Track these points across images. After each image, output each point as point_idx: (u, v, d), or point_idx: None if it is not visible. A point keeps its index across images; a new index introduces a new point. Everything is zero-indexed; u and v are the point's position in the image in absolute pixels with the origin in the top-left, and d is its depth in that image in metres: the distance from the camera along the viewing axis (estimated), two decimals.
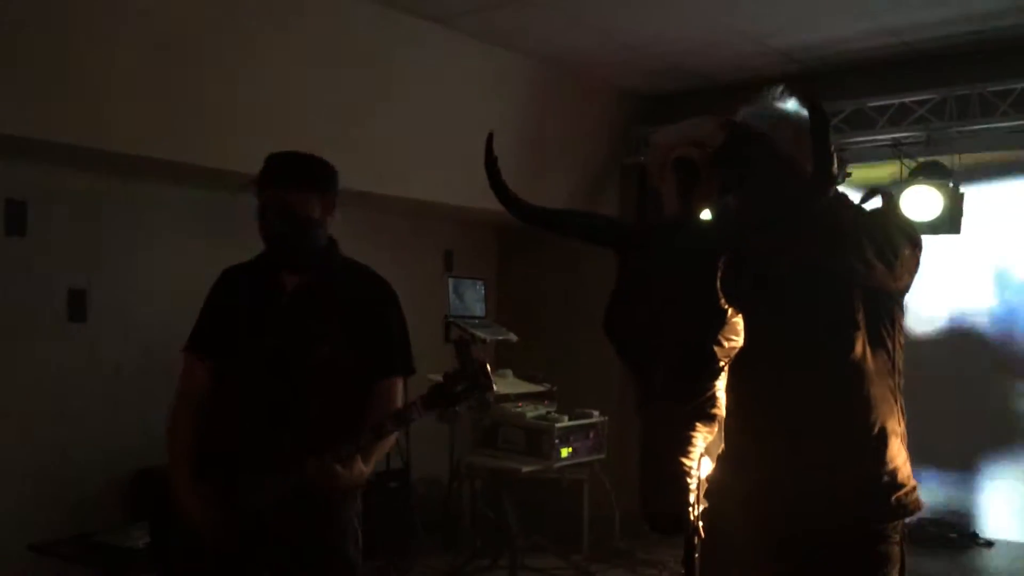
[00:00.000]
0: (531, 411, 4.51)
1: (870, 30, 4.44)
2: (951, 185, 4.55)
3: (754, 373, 1.46)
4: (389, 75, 4.51)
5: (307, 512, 2.20)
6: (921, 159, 4.64)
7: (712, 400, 1.35)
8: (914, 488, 1.77)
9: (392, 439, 2.30)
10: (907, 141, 4.76)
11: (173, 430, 2.35)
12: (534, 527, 4.76)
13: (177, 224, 4.52)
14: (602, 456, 4.74)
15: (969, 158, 4.62)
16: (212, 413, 2.35)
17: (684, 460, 1.31)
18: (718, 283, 1.32)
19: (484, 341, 4.59)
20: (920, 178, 4.58)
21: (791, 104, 1.74)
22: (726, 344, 1.33)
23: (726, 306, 1.32)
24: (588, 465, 4.77)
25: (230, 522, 2.17)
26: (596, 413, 4.70)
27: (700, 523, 1.35)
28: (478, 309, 4.81)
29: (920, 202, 4.53)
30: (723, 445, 1.41)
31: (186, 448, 2.30)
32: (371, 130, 4.57)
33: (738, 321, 1.34)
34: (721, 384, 1.36)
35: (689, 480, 1.31)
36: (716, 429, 1.36)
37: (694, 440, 1.33)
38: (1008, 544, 4.49)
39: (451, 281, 4.78)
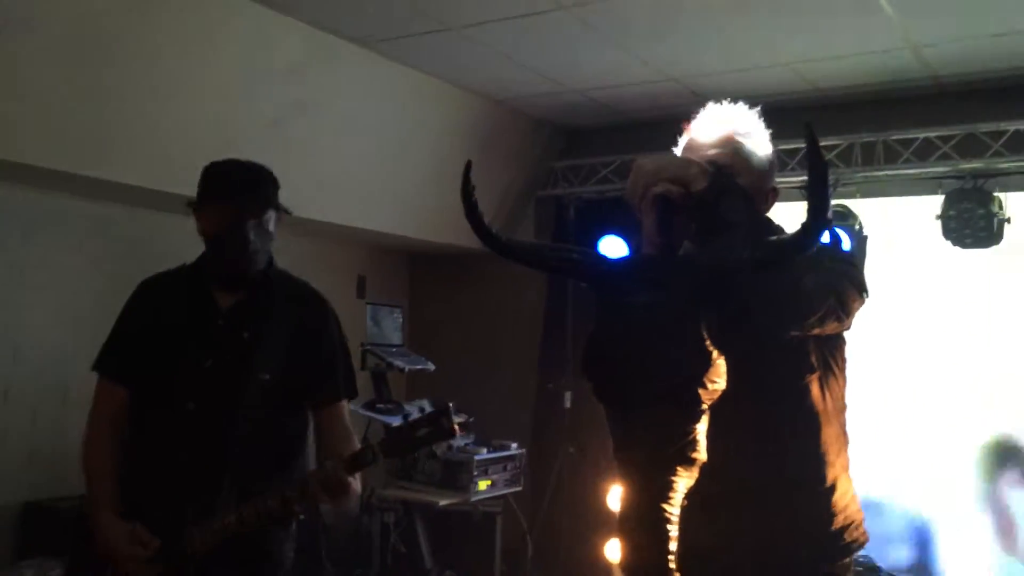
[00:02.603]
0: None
1: (785, 78, 4.59)
2: (857, 228, 4.74)
3: (720, 418, 1.45)
4: (307, 95, 4.39)
5: (245, 547, 2.06)
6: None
7: (693, 444, 1.32)
8: (862, 520, 1.80)
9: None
10: None
11: (90, 461, 2.15)
12: (444, 560, 4.66)
13: (70, 239, 4.27)
14: (519, 488, 4.69)
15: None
16: (134, 442, 2.16)
17: (665, 507, 1.28)
18: (703, 324, 1.30)
19: (402, 370, 4.49)
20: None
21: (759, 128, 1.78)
22: (710, 387, 1.30)
23: (711, 348, 1.30)
24: (502, 498, 4.72)
25: (160, 563, 2.01)
26: (514, 445, 4.66)
27: (679, 573, 1.31)
28: (395, 337, 4.70)
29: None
30: (694, 489, 1.38)
31: (108, 480, 2.10)
32: (285, 150, 4.44)
33: (721, 363, 1.32)
34: (702, 428, 1.34)
35: (671, 527, 1.28)
36: (696, 473, 1.33)
37: (675, 485, 1.29)
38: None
39: (368, 308, 4.67)
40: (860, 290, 1.66)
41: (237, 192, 2.13)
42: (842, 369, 1.78)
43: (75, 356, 2.24)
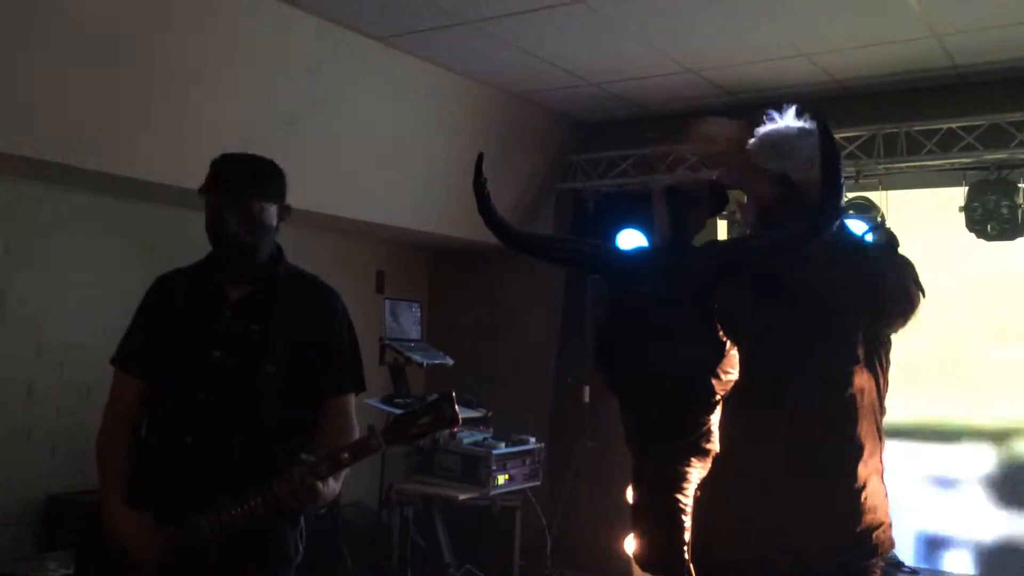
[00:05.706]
0: (467, 437, 4.43)
1: (805, 69, 4.55)
2: (879, 220, 4.69)
3: (747, 408, 1.44)
4: (326, 91, 4.41)
5: (252, 540, 2.07)
6: (851, 194, 4.77)
7: (707, 435, 1.31)
8: (890, 525, 1.78)
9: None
10: None
11: (104, 449, 2.19)
12: (463, 555, 4.66)
13: (94, 236, 4.30)
14: (537, 483, 4.68)
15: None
16: (148, 432, 2.19)
17: (679, 496, 1.27)
18: (716, 314, 1.29)
19: (420, 365, 4.49)
20: (850, 212, 4.72)
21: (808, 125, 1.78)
22: (723, 377, 1.30)
23: (724, 338, 1.29)
24: (521, 492, 4.71)
25: (168, 550, 2.02)
26: (533, 439, 4.65)
27: (691, 563, 1.30)
28: (414, 332, 4.71)
29: None
30: (709, 478, 1.37)
31: (119, 469, 2.14)
32: (305, 146, 4.46)
33: (735, 354, 1.31)
34: (715, 418, 1.33)
35: (684, 517, 1.27)
36: (709, 463, 1.32)
37: (689, 476, 1.29)
38: (931, 573, 4.60)
39: (387, 303, 4.68)
40: (920, 290, 1.69)
41: (220, 183, 2.15)
42: (885, 371, 1.78)
43: (98, 352, 2.27)
